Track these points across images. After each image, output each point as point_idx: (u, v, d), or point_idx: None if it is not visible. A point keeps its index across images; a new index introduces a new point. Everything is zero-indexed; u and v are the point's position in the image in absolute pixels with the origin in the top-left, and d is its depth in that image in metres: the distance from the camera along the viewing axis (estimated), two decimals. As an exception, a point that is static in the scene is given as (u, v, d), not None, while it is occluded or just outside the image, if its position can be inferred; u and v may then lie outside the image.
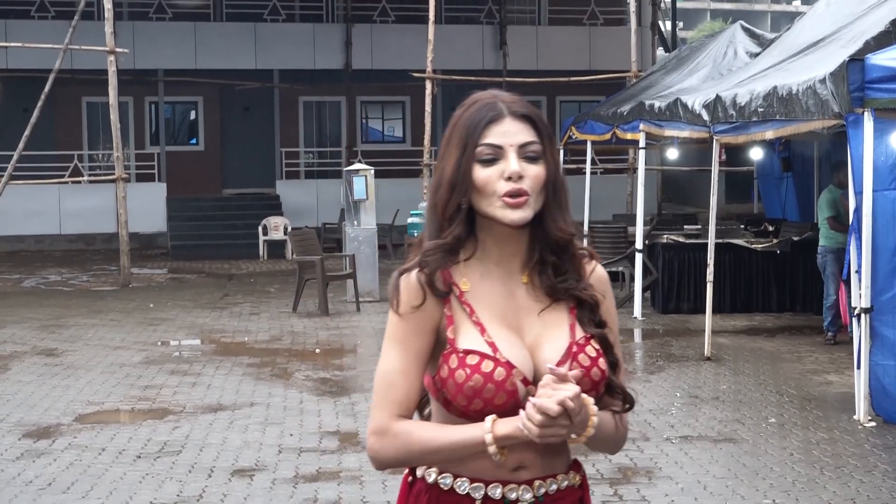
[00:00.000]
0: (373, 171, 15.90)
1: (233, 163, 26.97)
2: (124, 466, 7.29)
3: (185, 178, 25.52)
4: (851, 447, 7.57)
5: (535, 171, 2.29)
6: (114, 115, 18.06)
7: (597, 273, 2.43)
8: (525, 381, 2.28)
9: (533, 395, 2.21)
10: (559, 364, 2.29)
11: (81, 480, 6.98)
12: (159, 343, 12.31)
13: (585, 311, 2.37)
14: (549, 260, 2.36)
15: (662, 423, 8.30)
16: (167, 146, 26.12)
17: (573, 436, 2.25)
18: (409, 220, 16.53)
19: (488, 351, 2.27)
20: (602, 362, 2.34)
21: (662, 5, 30.07)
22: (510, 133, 2.29)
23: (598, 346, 2.35)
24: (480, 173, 2.28)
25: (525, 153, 2.29)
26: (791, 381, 9.83)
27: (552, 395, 2.17)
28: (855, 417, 8.26)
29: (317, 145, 27.77)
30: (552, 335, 2.34)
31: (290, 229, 20.93)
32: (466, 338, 2.29)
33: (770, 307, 13.80)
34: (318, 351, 11.72)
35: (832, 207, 11.20)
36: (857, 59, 8.04)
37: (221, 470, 7.18)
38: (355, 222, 15.57)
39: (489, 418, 2.24)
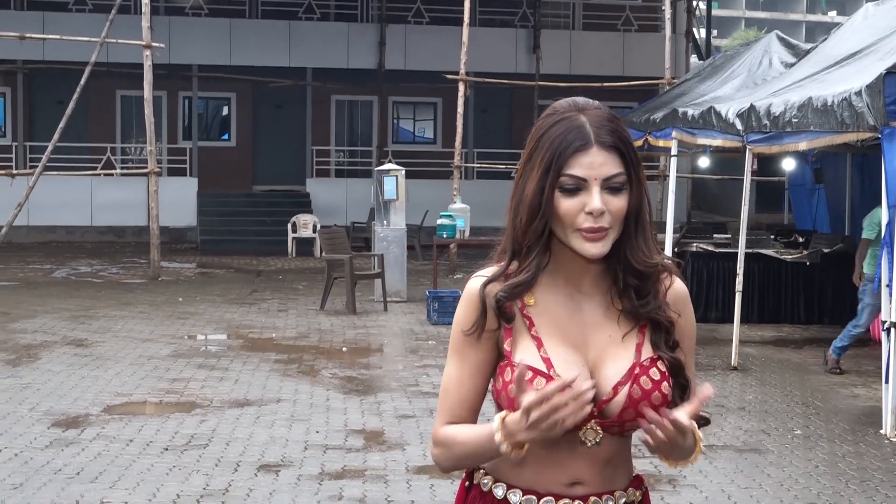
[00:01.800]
0: (403, 172, 15.92)
1: (264, 159, 27.07)
2: (151, 458, 7.33)
3: (216, 174, 25.64)
4: (877, 461, 7.53)
5: (618, 205, 2.22)
6: (148, 110, 18.18)
7: (675, 289, 2.36)
8: None
9: (590, 413, 2.20)
10: (620, 384, 2.25)
11: (109, 471, 7.02)
12: (187, 337, 12.38)
13: (660, 332, 2.31)
14: (632, 284, 2.31)
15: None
16: (199, 141, 26.25)
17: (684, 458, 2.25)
18: (439, 221, 16.53)
19: (542, 367, 2.24)
20: (665, 386, 2.26)
21: (697, 13, 29.95)
22: (595, 165, 2.21)
23: (663, 369, 2.28)
24: (562, 203, 2.22)
25: (609, 184, 2.22)
26: (818, 393, 9.79)
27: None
28: (882, 431, 8.22)
29: (348, 144, 27.84)
30: (617, 353, 2.29)
31: (319, 227, 21.01)
32: (523, 352, 2.26)
33: (798, 318, 13.75)
34: (345, 349, 11.74)
35: (874, 228, 10.02)
36: (893, 73, 8.01)
37: (247, 464, 7.21)
38: (385, 222, 15.60)
39: (499, 415, 2.20)
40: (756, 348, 12.03)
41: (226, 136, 27.70)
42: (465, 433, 2.28)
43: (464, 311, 2.32)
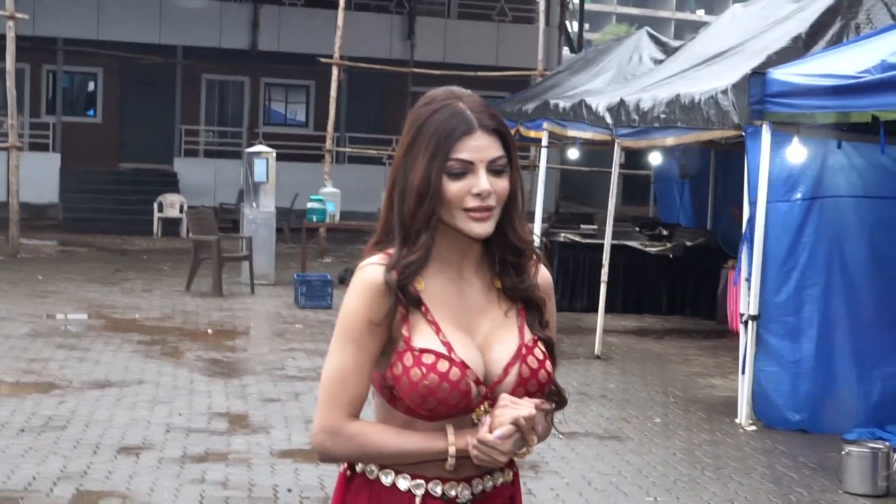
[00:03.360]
0: (274, 154, 15.78)
1: (131, 137, 26.45)
2: (7, 440, 7.14)
3: (80, 150, 24.96)
4: (732, 449, 7.74)
5: (502, 186, 2.31)
6: (10, 82, 17.64)
7: (542, 274, 2.46)
8: (477, 382, 2.30)
9: (483, 395, 2.29)
10: (510, 365, 2.33)
11: (-39, 452, 6.80)
12: (46, 316, 12.05)
13: (534, 312, 2.41)
14: (511, 261, 2.39)
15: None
16: (63, 116, 25.48)
17: (519, 451, 2.31)
18: (309, 204, 16.42)
19: (444, 351, 2.28)
20: (549, 365, 2.37)
21: (570, 6, 30.34)
22: (481, 148, 2.29)
23: (544, 349, 2.38)
24: (450, 187, 2.28)
25: (492, 167, 2.30)
26: (677, 382, 10.01)
27: (508, 415, 2.23)
28: (737, 421, 8.43)
29: (218, 124, 27.43)
30: (502, 336, 2.37)
31: (186, 207, 20.68)
32: (422, 337, 2.30)
33: (660, 310, 14.02)
34: (210, 331, 11.59)
35: None
36: (758, 73, 8.18)
37: (107, 447, 7.07)
38: (254, 204, 15.44)
39: (450, 430, 2.28)
40: (619, 338, 12.25)
41: (91, 112, 26.99)
42: (405, 441, 2.30)
43: (367, 301, 2.31)
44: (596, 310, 11.28)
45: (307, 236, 16.65)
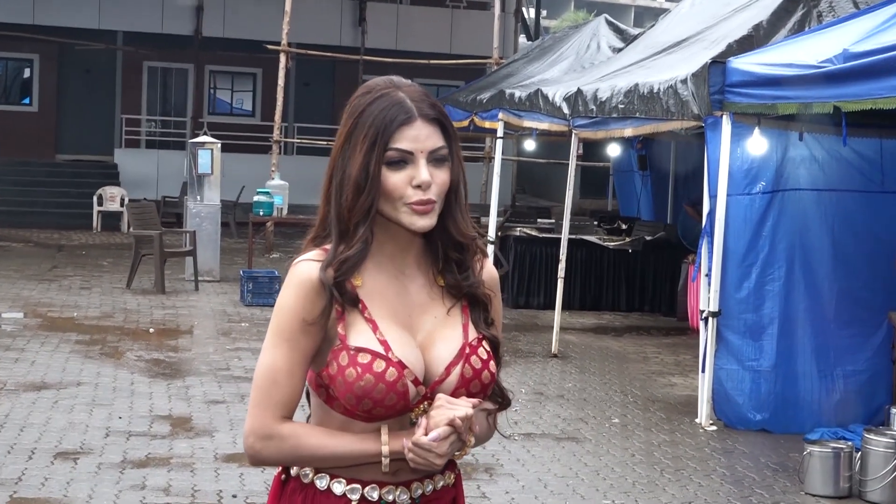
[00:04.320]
0: (219, 145, 15.45)
1: (69, 127, 25.97)
2: (-64, 445, 6.90)
3: (14, 140, 24.47)
4: (692, 450, 7.65)
5: (442, 178, 2.27)
6: (-59, 69, 17.08)
7: (487, 270, 2.42)
8: (416, 382, 2.25)
9: (422, 395, 2.25)
10: (452, 365, 2.29)
11: None
12: (-20, 314, 11.67)
13: (479, 310, 2.37)
14: (454, 257, 2.35)
15: (506, 420, 8.16)
16: (-3, 105, 24.90)
17: (456, 452, 2.27)
18: (256, 197, 16.07)
19: (380, 350, 2.23)
20: (492, 365, 2.33)
21: (527, -8, 30.14)
22: (421, 138, 2.25)
23: (489, 348, 2.34)
24: (389, 178, 2.24)
25: (433, 157, 2.27)
26: (636, 381, 9.89)
27: (443, 416, 2.20)
28: (697, 421, 8.34)
29: (160, 114, 26.97)
30: (445, 334, 2.32)
31: (127, 201, 20.23)
32: (358, 335, 2.25)
33: (619, 306, 13.85)
34: (152, 330, 11.30)
35: None
36: (718, 62, 8.07)
37: (43, 452, 6.90)
38: (198, 197, 15.11)
39: (384, 431, 2.24)
40: (577, 335, 12.10)
41: (27, 101, 26.45)
42: (338, 443, 2.25)
43: (301, 298, 2.26)
44: (553, 307, 11.07)
45: (254, 231, 16.31)
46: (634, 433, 8.03)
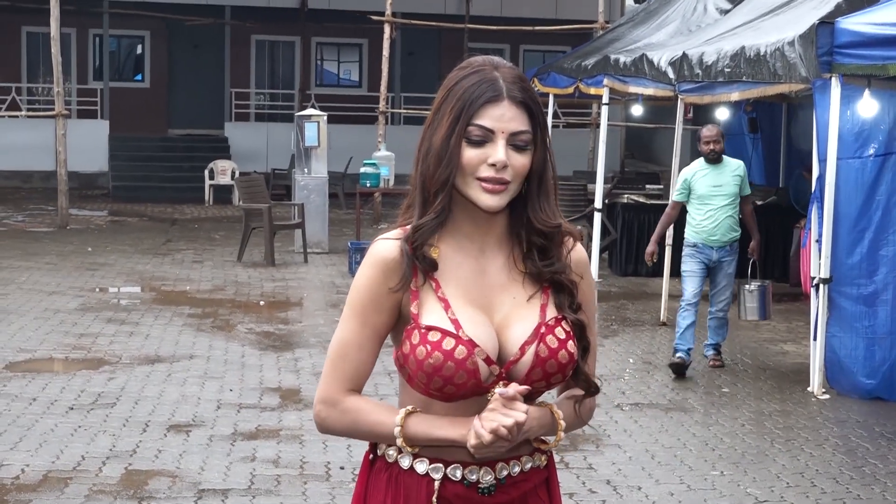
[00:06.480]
0: (325, 117, 15.56)
1: (180, 102, 26.34)
2: (56, 418, 7.09)
3: (128, 116, 24.84)
4: (803, 419, 7.51)
5: (521, 162, 2.27)
6: (55, 48, 17.48)
7: (576, 252, 2.40)
8: (488, 361, 2.25)
9: (497, 375, 2.26)
10: (527, 344, 2.28)
11: (10, 431, 6.78)
12: (97, 289, 11.96)
13: (563, 293, 2.35)
14: (537, 243, 2.34)
15: (613, 390, 8.14)
16: (111, 82, 25.32)
17: (543, 443, 2.33)
18: (363, 169, 16.14)
19: (451, 328, 2.24)
20: (571, 345, 2.31)
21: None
22: (505, 118, 2.26)
23: (568, 329, 2.32)
24: (466, 153, 2.25)
25: (514, 141, 2.26)
26: (746, 349, 9.72)
27: (494, 420, 2.19)
28: (809, 389, 8.17)
29: (268, 87, 27.22)
30: (522, 314, 2.31)
31: (237, 174, 20.52)
32: (430, 314, 2.27)
33: (730, 272, 13.58)
34: (262, 303, 11.46)
35: (683, 191, 9.02)
36: (827, 23, 7.83)
37: (157, 424, 7.01)
38: (306, 170, 15.24)
39: (402, 411, 2.27)
40: (685, 303, 11.91)
41: (139, 77, 26.93)
42: (373, 411, 2.31)
43: (375, 276, 2.30)
44: (661, 274, 10.89)
45: (361, 202, 16.41)
46: (744, 402, 7.90)
